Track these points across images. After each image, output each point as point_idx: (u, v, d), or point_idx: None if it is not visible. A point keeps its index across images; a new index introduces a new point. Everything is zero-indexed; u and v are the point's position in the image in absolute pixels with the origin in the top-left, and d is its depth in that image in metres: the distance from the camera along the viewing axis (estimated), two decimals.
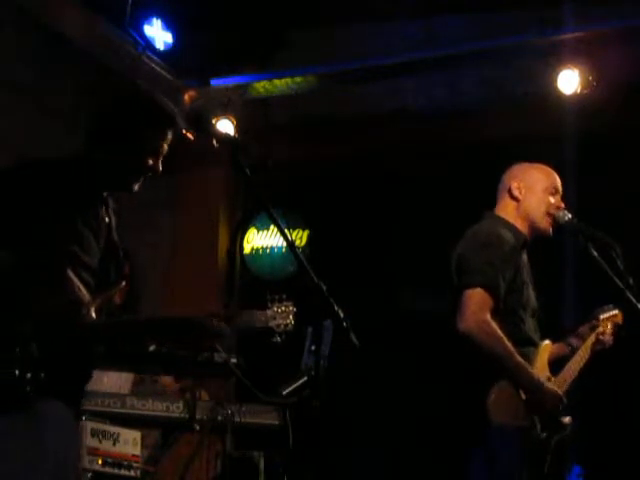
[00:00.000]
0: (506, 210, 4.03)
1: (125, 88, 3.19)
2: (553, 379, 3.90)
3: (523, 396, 3.69)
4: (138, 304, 5.46)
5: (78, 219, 2.97)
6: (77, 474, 2.94)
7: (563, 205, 4.03)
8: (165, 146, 3.12)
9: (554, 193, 4.04)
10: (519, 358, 3.71)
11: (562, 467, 4.07)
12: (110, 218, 3.13)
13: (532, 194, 4.01)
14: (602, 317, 4.18)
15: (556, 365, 3.98)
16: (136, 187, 3.10)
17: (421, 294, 6.50)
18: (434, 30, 6.34)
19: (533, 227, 4.01)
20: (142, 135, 3.06)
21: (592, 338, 4.11)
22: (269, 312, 3.41)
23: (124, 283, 3.11)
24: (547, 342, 3.96)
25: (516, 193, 4.02)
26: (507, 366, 3.69)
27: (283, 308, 3.45)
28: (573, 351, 4.09)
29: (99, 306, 2.98)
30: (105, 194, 3.11)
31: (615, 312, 4.20)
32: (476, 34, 6.18)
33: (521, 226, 4.00)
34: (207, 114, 6.49)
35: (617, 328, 4.19)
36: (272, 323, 3.41)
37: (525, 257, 4.00)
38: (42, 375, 2.80)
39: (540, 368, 3.85)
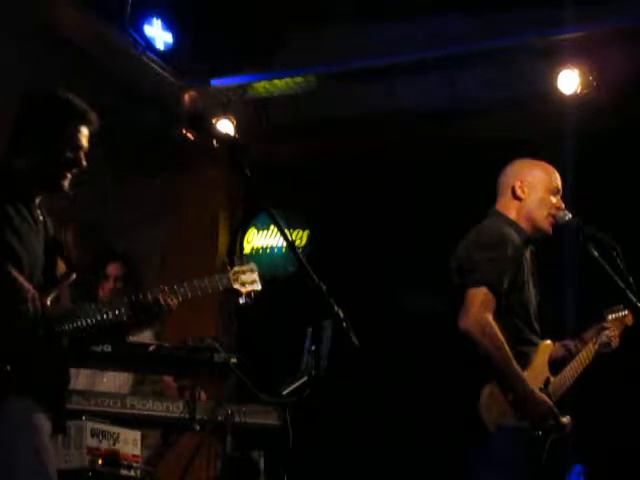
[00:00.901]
0: (508, 208, 4.03)
1: (36, 90, 3.29)
2: (552, 379, 3.89)
3: (510, 398, 3.68)
4: None
5: (14, 217, 3.05)
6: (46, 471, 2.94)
7: (563, 205, 4.04)
8: (82, 140, 3.19)
9: (555, 193, 4.04)
10: (515, 365, 3.70)
11: (561, 466, 4.05)
12: (45, 218, 3.21)
13: (535, 194, 4.01)
14: (611, 317, 4.17)
15: (557, 367, 3.97)
16: (65, 185, 3.18)
17: (421, 294, 6.50)
18: (434, 30, 6.33)
19: (534, 227, 4.01)
20: (54, 130, 3.15)
21: (596, 340, 4.09)
22: (230, 274, 3.41)
23: (74, 276, 3.15)
24: (548, 342, 3.95)
25: (519, 192, 4.02)
26: (501, 370, 3.68)
27: (245, 268, 3.45)
28: (574, 353, 4.07)
29: (53, 299, 3.04)
30: (37, 195, 3.18)
31: (625, 313, 4.17)
32: (476, 34, 6.18)
33: (523, 224, 4.00)
34: (207, 114, 6.50)
35: (625, 329, 4.17)
36: (236, 284, 3.41)
37: (528, 255, 4.00)
38: (7, 368, 2.82)
39: (539, 368, 3.84)
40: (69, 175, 3.17)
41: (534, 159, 4.14)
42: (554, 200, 4.02)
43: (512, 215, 4.01)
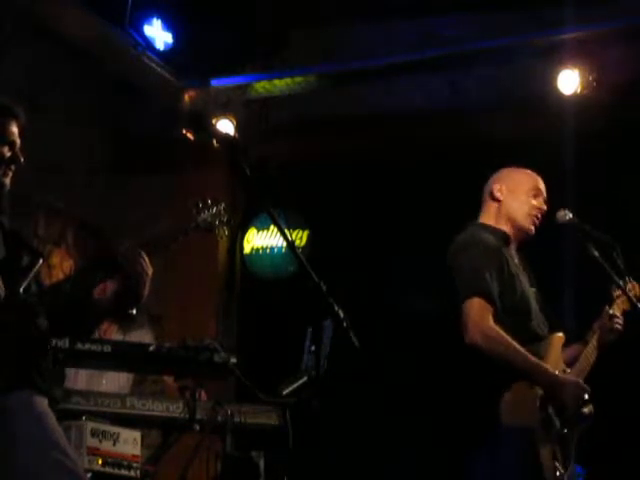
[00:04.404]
0: (488, 213, 4.02)
1: None
2: (569, 371, 3.88)
3: (541, 392, 3.67)
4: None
5: None
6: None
7: (545, 207, 4.02)
8: (12, 135, 3.17)
9: (537, 195, 4.02)
10: (532, 357, 3.69)
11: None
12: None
13: (514, 195, 4.00)
14: (616, 294, 4.12)
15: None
16: (6, 181, 3.16)
17: (422, 294, 6.50)
18: (434, 30, 6.34)
19: (515, 227, 3.99)
20: None
21: (601, 331, 4.07)
22: (200, 217, 3.45)
23: (40, 262, 3.15)
24: (560, 334, 3.91)
25: (497, 195, 4.01)
26: (521, 368, 3.67)
27: (215, 209, 3.49)
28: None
29: (25, 288, 3.04)
30: None
31: (630, 286, 4.12)
32: (476, 34, 6.18)
33: (504, 226, 3.98)
34: (207, 114, 6.50)
35: (631, 304, 4.11)
36: (202, 222, 3.45)
37: (512, 252, 3.98)
38: None
39: (553, 361, 3.81)
40: (9, 172, 3.16)
41: (532, 162, 4.14)
42: (534, 202, 4.01)
43: (492, 218, 4.00)
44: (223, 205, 3.50)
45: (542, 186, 4.05)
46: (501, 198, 4.00)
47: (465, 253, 3.84)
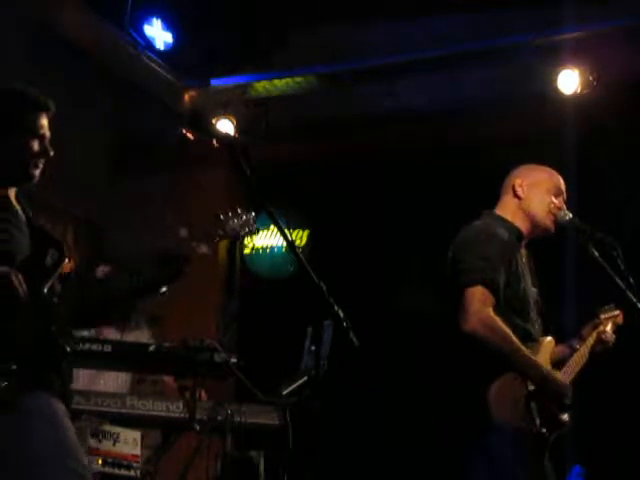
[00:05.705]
0: (506, 207, 4.03)
1: None
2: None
3: (531, 387, 3.68)
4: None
5: None
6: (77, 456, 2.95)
7: (565, 206, 4.04)
8: (44, 129, 3.18)
9: (557, 195, 4.04)
10: (526, 351, 3.71)
11: (561, 466, 4.05)
12: (26, 210, 3.18)
13: (535, 193, 4.01)
14: (603, 317, 4.19)
15: (557, 367, 3.98)
16: (36, 174, 3.16)
17: (421, 294, 6.50)
18: (434, 30, 6.33)
19: (534, 225, 4.01)
20: (16, 121, 3.14)
21: (593, 337, 4.12)
22: (228, 225, 3.45)
23: (67, 261, 3.14)
24: (549, 338, 3.94)
25: (519, 191, 4.02)
26: (515, 360, 3.68)
27: (244, 217, 3.49)
28: (574, 352, 4.09)
29: (52, 285, 3.04)
30: (8, 188, 3.15)
31: (616, 312, 4.20)
32: (476, 34, 6.18)
33: (520, 223, 3.99)
34: (207, 114, 6.50)
35: (618, 328, 4.20)
36: (230, 230, 3.45)
37: (523, 251, 4.00)
38: (13, 367, 2.82)
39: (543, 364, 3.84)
40: (39, 164, 3.16)
41: (533, 161, 4.15)
42: (555, 200, 4.02)
43: (509, 213, 4.01)
44: (253, 215, 3.50)
45: (562, 185, 4.07)
46: (522, 195, 4.01)
47: (478, 241, 3.84)
